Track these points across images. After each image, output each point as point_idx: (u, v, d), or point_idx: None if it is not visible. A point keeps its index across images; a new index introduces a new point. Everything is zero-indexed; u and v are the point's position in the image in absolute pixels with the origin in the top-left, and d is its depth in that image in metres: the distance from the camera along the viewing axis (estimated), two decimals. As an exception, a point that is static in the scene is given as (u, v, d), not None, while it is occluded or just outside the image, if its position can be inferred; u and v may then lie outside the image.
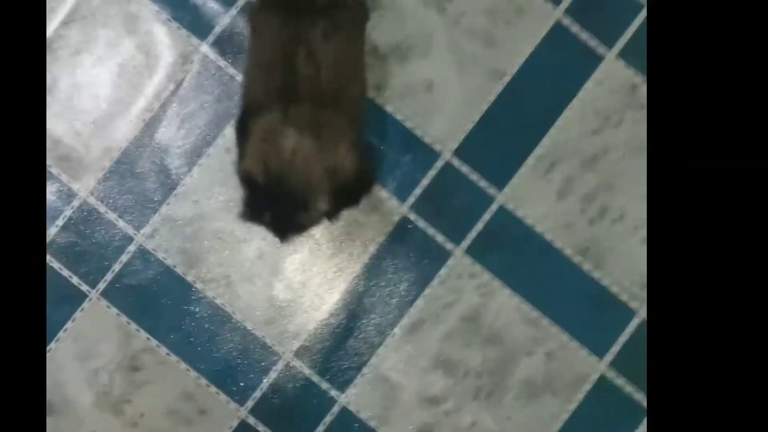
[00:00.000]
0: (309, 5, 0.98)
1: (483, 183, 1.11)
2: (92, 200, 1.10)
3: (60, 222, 1.10)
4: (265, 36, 1.01)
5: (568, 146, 1.12)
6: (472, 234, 1.11)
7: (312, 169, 0.95)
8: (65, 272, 1.09)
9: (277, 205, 0.97)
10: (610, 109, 1.12)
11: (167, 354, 1.09)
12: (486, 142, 1.12)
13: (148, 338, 1.09)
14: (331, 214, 1.00)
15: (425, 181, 1.11)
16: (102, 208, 1.10)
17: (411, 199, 1.11)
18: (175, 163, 1.10)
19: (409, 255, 1.11)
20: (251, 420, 1.09)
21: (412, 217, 1.11)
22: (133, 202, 1.10)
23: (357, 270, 1.11)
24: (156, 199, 1.10)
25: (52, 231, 1.10)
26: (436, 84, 1.12)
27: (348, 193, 1.00)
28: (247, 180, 0.97)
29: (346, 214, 1.09)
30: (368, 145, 1.09)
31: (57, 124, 1.10)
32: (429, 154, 1.12)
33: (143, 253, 1.10)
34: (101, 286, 1.09)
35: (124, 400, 1.09)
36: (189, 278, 1.09)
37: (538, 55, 1.12)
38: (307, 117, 0.96)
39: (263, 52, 1.01)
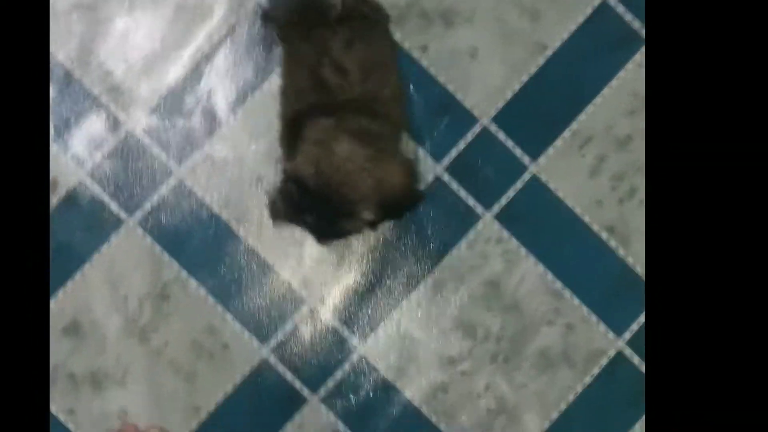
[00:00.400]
0: (326, 17, 1.00)
1: (518, 151, 1.14)
2: (138, 132, 1.13)
3: (105, 149, 1.13)
4: (292, 51, 1.04)
5: (604, 124, 1.14)
6: (503, 201, 1.13)
7: (362, 178, 0.97)
8: (105, 197, 1.12)
9: (323, 209, 0.98)
10: (649, 91, 1.14)
11: (197, 287, 1.11)
12: (524, 112, 1.14)
13: (179, 270, 1.11)
14: (374, 224, 1.01)
15: (461, 144, 1.14)
16: (146, 141, 1.13)
17: (446, 161, 1.14)
18: (221, 105, 1.13)
19: (439, 215, 1.13)
20: (272, 359, 1.11)
21: (446, 178, 1.13)
22: (177, 138, 1.13)
23: (387, 224, 1.12)
24: (199, 137, 1.13)
25: (96, 157, 1.12)
26: (480, 51, 1.14)
27: (394, 206, 1.01)
28: (294, 180, 0.97)
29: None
30: (417, 161, 1.11)
31: (110, 58, 1.14)
32: (467, 119, 1.14)
33: (182, 188, 1.12)
34: (138, 214, 1.12)
35: (151, 329, 1.11)
36: (224, 217, 1.12)
37: (582, 34, 1.15)
38: (355, 125, 0.98)
39: (293, 67, 1.04)
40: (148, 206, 1.12)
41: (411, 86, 1.13)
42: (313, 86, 0.99)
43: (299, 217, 0.99)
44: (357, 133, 0.97)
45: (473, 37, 1.15)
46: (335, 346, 1.12)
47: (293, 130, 1.01)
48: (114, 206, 1.12)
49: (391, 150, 1.01)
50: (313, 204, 0.97)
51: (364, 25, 1.01)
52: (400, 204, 1.03)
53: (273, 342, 1.12)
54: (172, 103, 1.14)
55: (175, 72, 1.14)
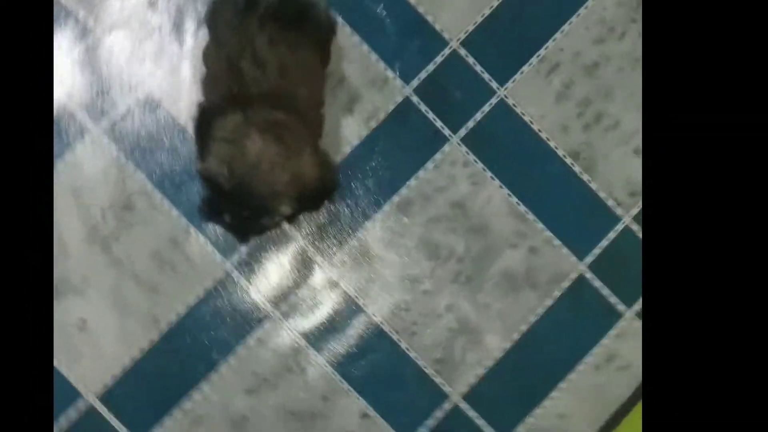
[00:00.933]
0: (254, 11, 0.99)
1: (486, 76, 1.15)
2: (105, 41, 1.13)
3: (74, 56, 1.12)
4: (218, 39, 1.02)
5: (572, 51, 1.15)
6: (470, 124, 1.14)
7: (277, 174, 0.96)
8: (72, 105, 1.11)
9: (240, 207, 0.98)
10: (616, 20, 1.16)
11: (161, 199, 1.11)
12: (493, 37, 1.15)
13: (144, 181, 1.11)
14: (292, 218, 1.03)
15: (430, 67, 1.15)
16: (115, 49, 1.13)
17: (415, 83, 1.14)
18: (189, 25, 1.13)
19: (407, 136, 1.14)
20: (234, 274, 1.11)
21: (414, 100, 1.14)
22: (148, 48, 1.13)
23: (354, 142, 1.13)
24: (170, 53, 1.13)
25: (65, 64, 1.12)
26: (451, -25, 1.15)
27: (310, 198, 1.02)
28: (209, 180, 0.97)
29: (352, 84, 1.12)
30: (328, 152, 1.10)
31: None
32: (437, 41, 1.15)
33: (151, 101, 1.12)
34: (104, 123, 1.11)
35: (113, 238, 1.10)
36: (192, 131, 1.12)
37: (553, -38, 1.16)
38: (265, 120, 0.97)
39: (216, 54, 1.02)
40: (114, 115, 1.11)
41: (382, 6, 1.13)
42: (229, 75, 0.98)
43: (218, 218, 0.99)
44: (268, 128, 0.96)
45: (444, -40, 1.15)
46: (301, 266, 1.12)
47: (203, 128, 1.00)
48: (80, 114, 1.11)
49: (303, 142, 0.99)
50: (229, 204, 0.97)
51: (292, 29, 1.00)
52: (317, 195, 1.04)
53: (236, 257, 1.11)
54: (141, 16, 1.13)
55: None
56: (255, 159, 0.95)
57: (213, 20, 1.03)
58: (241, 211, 0.98)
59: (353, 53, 1.14)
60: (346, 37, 1.14)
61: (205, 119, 1.00)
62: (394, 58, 1.14)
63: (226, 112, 0.97)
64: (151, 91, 1.11)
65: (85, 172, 1.11)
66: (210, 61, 1.02)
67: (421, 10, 1.15)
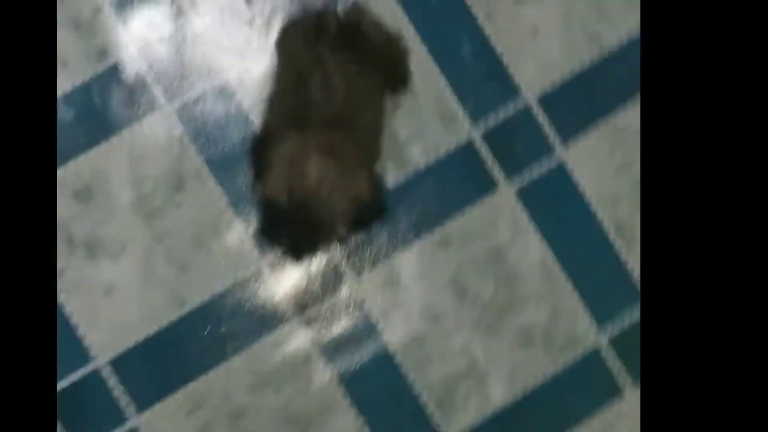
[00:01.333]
0: (330, 35, 1.01)
1: (552, 135, 1.16)
2: (197, 26, 1.16)
3: (163, 33, 1.16)
4: (288, 61, 1.05)
5: (639, 127, 1.15)
6: (526, 176, 1.15)
7: (336, 197, 0.97)
8: (150, 78, 1.15)
9: (299, 230, 0.99)
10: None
11: (214, 185, 1.14)
12: (570, 98, 1.16)
13: (200, 165, 1.14)
14: (344, 239, 1.06)
15: (501, 114, 1.16)
16: (205, 37, 1.16)
17: (482, 125, 1.16)
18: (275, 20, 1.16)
19: (461, 174, 1.16)
20: (266, 272, 1.14)
21: (477, 142, 1.15)
22: (236, 41, 1.16)
23: (410, 170, 1.15)
24: (254, 46, 1.16)
25: (152, 38, 1.15)
26: (541, 31, 1.16)
27: (364, 220, 1.04)
28: (268, 203, 0.98)
29: (422, 113, 1.15)
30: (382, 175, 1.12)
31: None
32: (513, 91, 1.17)
33: (227, 90, 1.15)
34: (176, 103, 1.15)
35: (158, 212, 1.14)
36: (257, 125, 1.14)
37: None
38: (325, 141, 0.98)
39: (283, 77, 1.04)
40: (188, 97, 1.15)
41: (469, 45, 1.15)
42: (296, 97, 1.00)
43: (277, 239, 1.02)
44: (328, 151, 0.97)
45: (537, 16, 1.16)
46: (328, 276, 1.14)
47: (262, 149, 1.02)
48: (156, 89, 1.15)
49: (361, 165, 1.00)
50: (288, 225, 0.99)
51: (363, 56, 1.01)
52: (369, 218, 1.06)
53: (271, 256, 1.14)
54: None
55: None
56: (315, 182, 0.95)
57: (283, 42, 1.05)
58: (300, 232, 0.99)
59: (430, 83, 1.16)
60: (426, 66, 1.16)
61: (265, 140, 1.02)
62: (468, 97, 1.16)
63: (287, 134, 0.98)
64: (228, 81, 1.14)
65: (147, 144, 1.14)
66: (277, 82, 1.04)
67: (504, 59, 1.16)
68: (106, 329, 1.11)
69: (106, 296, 1.12)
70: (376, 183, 1.04)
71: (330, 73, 0.99)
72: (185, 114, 1.14)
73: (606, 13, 1.17)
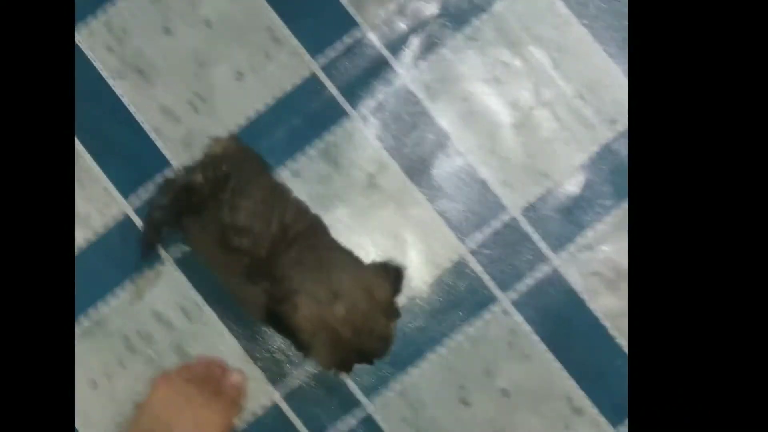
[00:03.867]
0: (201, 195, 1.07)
1: (543, 245, 1.21)
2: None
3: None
4: (192, 235, 1.11)
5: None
6: (521, 287, 1.20)
7: (372, 321, 1.03)
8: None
9: (362, 354, 1.06)
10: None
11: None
12: (551, 210, 1.22)
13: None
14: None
15: (487, 229, 1.22)
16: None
17: (471, 243, 1.21)
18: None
19: (459, 292, 1.21)
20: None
21: (470, 259, 1.21)
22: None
23: (412, 295, 1.21)
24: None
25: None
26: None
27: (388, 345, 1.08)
28: (333, 338, 1.03)
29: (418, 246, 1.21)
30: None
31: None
32: (498, 207, 1.22)
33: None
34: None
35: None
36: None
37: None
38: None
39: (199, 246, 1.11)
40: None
41: (454, 173, 1.22)
42: (222, 252, 1.05)
43: (348, 367, 1.07)
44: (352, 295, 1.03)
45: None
46: (342, 403, 1.19)
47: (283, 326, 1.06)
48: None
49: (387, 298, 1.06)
50: (353, 354, 1.04)
51: (238, 177, 1.06)
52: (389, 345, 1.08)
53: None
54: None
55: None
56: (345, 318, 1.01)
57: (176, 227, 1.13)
58: (363, 356, 1.06)
59: (428, 219, 1.22)
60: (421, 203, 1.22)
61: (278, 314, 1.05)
62: (458, 216, 1.22)
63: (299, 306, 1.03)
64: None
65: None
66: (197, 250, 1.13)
67: (482, 174, 1.22)
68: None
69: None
70: (396, 312, 1.07)
71: (233, 219, 1.06)
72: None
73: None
